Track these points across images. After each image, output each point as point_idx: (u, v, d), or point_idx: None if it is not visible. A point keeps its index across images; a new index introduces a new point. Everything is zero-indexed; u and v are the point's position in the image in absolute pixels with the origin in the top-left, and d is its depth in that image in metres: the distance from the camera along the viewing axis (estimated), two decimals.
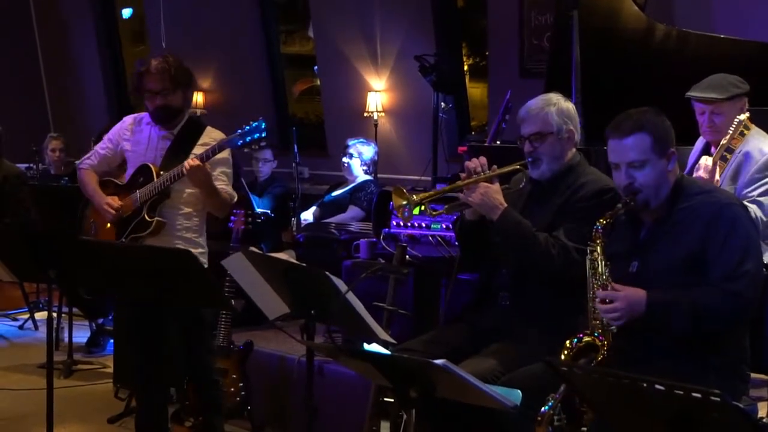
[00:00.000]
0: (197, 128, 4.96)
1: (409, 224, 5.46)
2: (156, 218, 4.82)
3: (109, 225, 4.98)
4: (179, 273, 4.04)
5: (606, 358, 3.42)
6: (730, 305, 3.40)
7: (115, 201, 4.92)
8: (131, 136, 5.00)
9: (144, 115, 4.98)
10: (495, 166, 4.11)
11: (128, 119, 5.08)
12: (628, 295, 3.42)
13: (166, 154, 4.89)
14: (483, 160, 4.11)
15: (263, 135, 4.64)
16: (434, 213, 4.28)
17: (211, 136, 4.88)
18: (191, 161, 4.63)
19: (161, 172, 4.81)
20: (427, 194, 4.16)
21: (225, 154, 4.84)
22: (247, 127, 4.65)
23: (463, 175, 4.12)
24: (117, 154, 5.06)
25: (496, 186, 4.06)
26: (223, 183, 4.85)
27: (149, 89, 4.83)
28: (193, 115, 5.05)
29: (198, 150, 4.79)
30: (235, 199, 5.00)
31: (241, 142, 4.66)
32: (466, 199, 4.07)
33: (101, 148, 5.11)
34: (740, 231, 3.46)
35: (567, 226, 3.98)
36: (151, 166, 4.86)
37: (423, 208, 4.23)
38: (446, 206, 4.26)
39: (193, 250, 4.78)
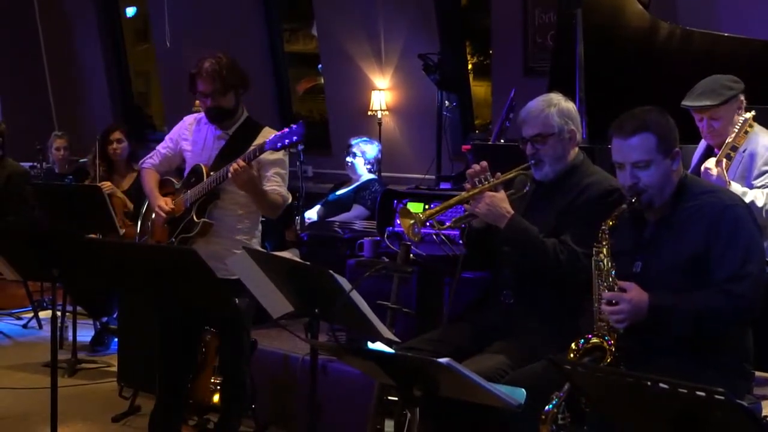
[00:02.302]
0: (254, 129, 4.94)
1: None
2: (203, 219, 4.81)
3: (163, 224, 4.98)
4: (183, 272, 4.04)
5: (614, 359, 3.42)
6: (733, 307, 3.39)
7: (168, 203, 4.92)
8: (190, 135, 5.01)
9: (203, 115, 4.98)
10: (498, 174, 4.10)
11: (188, 119, 5.09)
12: (633, 298, 3.41)
13: (219, 154, 4.88)
14: (484, 164, 4.11)
15: (301, 138, 4.63)
16: (442, 227, 4.29)
17: (266, 136, 4.81)
18: (236, 164, 4.62)
19: (211, 173, 4.81)
20: (433, 210, 4.16)
21: (280, 155, 4.82)
22: (287, 130, 4.65)
23: (467, 185, 4.12)
24: (177, 153, 5.07)
25: (502, 194, 4.06)
26: (276, 184, 4.82)
27: (200, 91, 4.82)
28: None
29: None
30: (290, 200, 4.99)
31: (279, 144, 4.66)
32: (473, 210, 4.07)
33: (163, 147, 5.12)
34: (743, 232, 3.45)
35: (574, 230, 3.97)
36: (203, 166, 4.86)
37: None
38: (453, 219, 4.26)
39: None
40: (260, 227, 5.06)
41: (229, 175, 4.64)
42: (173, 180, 5.12)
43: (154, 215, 5.08)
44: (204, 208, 4.83)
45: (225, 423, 5.03)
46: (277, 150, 4.71)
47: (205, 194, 4.80)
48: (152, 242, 5.06)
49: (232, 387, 4.99)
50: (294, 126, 4.65)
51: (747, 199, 4.33)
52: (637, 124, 3.53)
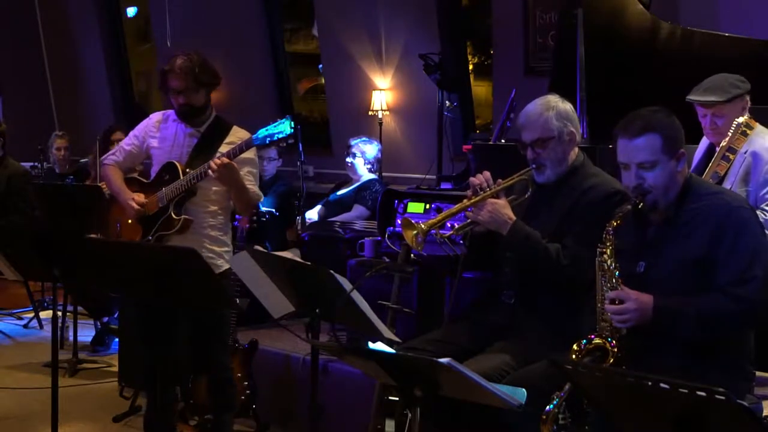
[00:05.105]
0: (224, 127, 4.95)
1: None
2: (183, 216, 4.82)
3: (132, 222, 4.96)
4: (184, 272, 4.04)
5: (616, 360, 3.42)
6: (738, 310, 3.38)
7: (140, 197, 4.92)
8: (158, 132, 5.01)
9: (171, 113, 4.98)
10: (500, 180, 4.10)
11: (155, 116, 5.08)
12: (638, 297, 3.41)
13: (192, 151, 4.88)
14: (487, 174, 4.11)
15: (290, 133, 4.64)
16: (444, 236, 4.28)
17: (237, 135, 4.87)
18: (218, 160, 4.62)
19: (187, 170, 4.81)
20: (435, 220, 4.15)
21: (251, 154, 4.84)
22: (273, 125, 4.66)
23: (468, 192, 4.12)
24: (142, 150, 5.06)
25: (503, 201, 4.06)
26: (249, 183, 4.84)
27: (172, 88, 4.83)
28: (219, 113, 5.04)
29: (224, 149, 4.79)
30: (261, 199, 5.00)
31: (269, 140, 4.66)
32: (475, 218, 4.07)
33: (126, 144, 5.10)
34: (748, 235, 3.44)
35: (577, 233, 3.97)
36: (177, 163, 4.86)
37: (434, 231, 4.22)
38: (455, 227, 4.26)
39: (218, 249, 4.81)
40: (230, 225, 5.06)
41: (210, 172, 4.64)
42: (140, 178, 5.09)
43: (117, 216, 5.07)
44: (181, 205, 4.84)
45: (219, 420, 5.02)
46: (265, 146, 4.71)
47: (183, 191, 4.81)
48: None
49: (222, 384, 4.99)
50: (280, 121, 4.65)
51: None
52: (643, 125, 3.51)
